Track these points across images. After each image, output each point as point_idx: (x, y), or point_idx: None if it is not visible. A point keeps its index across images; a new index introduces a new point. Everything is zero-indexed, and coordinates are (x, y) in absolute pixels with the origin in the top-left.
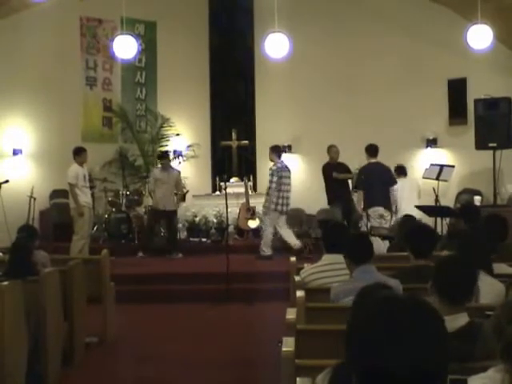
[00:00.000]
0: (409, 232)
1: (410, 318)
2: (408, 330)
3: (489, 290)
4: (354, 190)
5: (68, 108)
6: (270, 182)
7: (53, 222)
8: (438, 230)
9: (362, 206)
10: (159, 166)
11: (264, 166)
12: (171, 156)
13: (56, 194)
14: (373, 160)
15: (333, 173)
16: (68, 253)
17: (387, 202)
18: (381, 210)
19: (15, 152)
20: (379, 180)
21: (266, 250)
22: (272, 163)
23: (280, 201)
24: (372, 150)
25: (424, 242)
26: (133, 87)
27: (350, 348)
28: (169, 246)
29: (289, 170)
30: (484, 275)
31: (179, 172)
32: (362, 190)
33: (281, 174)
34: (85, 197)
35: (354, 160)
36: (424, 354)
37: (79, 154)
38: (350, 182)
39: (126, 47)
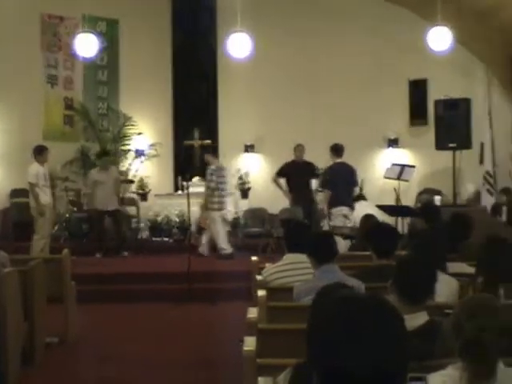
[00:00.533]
0: (371, 231)
1: (370, 317)
2: (368, 330)
3: (444, 287)
4: (319, 190)
5: (29, 106)
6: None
7: (13, 221)
8: (399, 229)
9: (327, 206)
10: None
11: (227, 166)
12: (133, 155)
13: (16, 193)
14: (338, 160)
15: (297, 172)
16: (28, 252)
17: (351, 202)
18: (345, 209)
19: None
20: (344, 180)
21: (226, 248)
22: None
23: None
24: (337, 150)
25: (386, 241)
26: (95, 86)
27: (311, 348)
28: (117, 245)
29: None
30: (440, 274)
31: (119, 171)
32: (328, 190)
33: (218, 174)
34: (45, 196)
35: (317, 159)
36: (384, 354)
37: (41, 152)
38: (313, 181)
39: (87, 45)
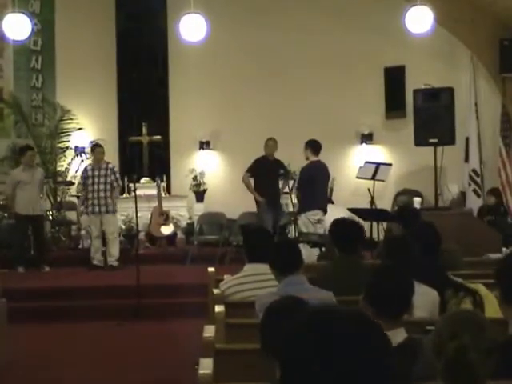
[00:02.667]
0: (332, 226)
1: (349, 332)
2: (347, 347)
3: (423, 300)
4: (295, 191)
5: None
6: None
7: None
8: (374, 235)
9: (298, 210)
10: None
11: (179, 165)
12: (73, 153)
13: None
14: (314, 158)
15: (267, 170)
16: None
17: (326, 206)
18: (320, 213)
19: None
20: (322, 181)
21: None
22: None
23: None
24: (317, 147)
25: (348, 235)
26: (27, 74)
27: (282, 373)
28: (37, 257)
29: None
30: (417, 284)
31: (43, 171)
32: (299, 192)
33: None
34: None
35: (280, 156)
36: (366, 374)
37: None
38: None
39: (18, 27)
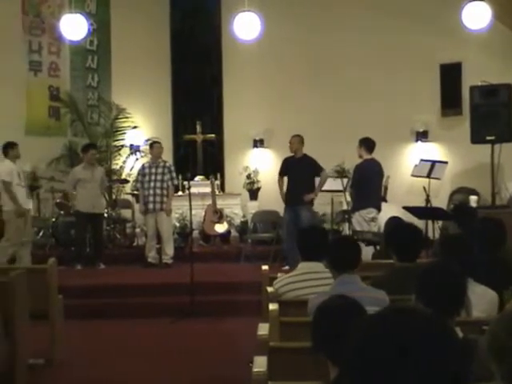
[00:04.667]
0: (391, 231)
1: (424, 337)
2: (420, 352)
3: (480, 300)
4: (349, 189)
5: (9, 97)
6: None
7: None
8: (430, 234)
9: (351, 208)
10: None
11: (233, 163)
12: (128, 151)
13: None
14: (368, 156)
15: (294, 168)
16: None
17: (380, 204)
18: (374, 212)
19: None
20: (376, 179)
21: None
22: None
23: None
24: (371, 145)
25: (408, 242)
26: (83, 73)
27: (349, 373)
28: (94, 255)
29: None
30: (474, 284)
31: (103, 170)
32: (354, 190)
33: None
34: (20, 197)
35: (335, 154)
36: (439, 378)
37: (13, 147)
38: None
39: (75, 27)
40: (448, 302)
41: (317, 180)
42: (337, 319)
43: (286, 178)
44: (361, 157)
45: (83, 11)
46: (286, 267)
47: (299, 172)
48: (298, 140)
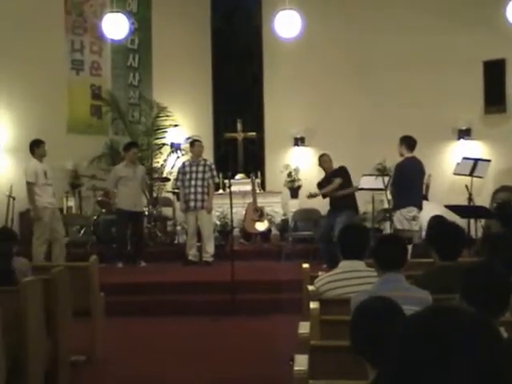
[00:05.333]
0: (433, 230)
1: (466, 336)
2: (462, 353)
3: None
4: (389, 188)
5: (51, 95)
6: None
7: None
8: (472, 233)
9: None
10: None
11: (273, 161)
12: (169, 149)
13: None
14: (409, 154)
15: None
16: (50, 259)
17: (421, 203)
18: (415, 210)
19: None
20: (416, 177)
21: None
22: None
23: None
24: (411, 143)
25: (450, 241)
26: (125, 72)
27: (386, 373)
28: (135, 253)
29: None
30: None
31: (145, 168)
32: (394, 188)
33: None
34: (47, 196)
35: (375, 152)
36: (482, 378)
37: (39, 146)
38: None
39: (116, 26)
40: (492, 302)
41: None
42: (375, 321)
43: None
44: (402, 155)
45: (125, 10)
46: (325, 266)
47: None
48: (326, 159)
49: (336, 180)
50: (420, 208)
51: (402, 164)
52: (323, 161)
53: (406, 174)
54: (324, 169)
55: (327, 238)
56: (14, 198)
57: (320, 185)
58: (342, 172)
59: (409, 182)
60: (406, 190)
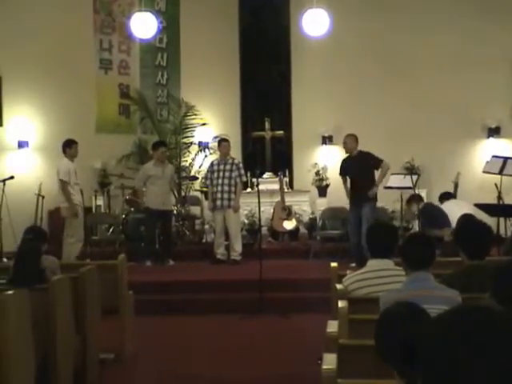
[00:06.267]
0: (462, 229)
1: (496, 335)
2: (497, 350)
3: None
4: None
5: (80, 95)
6: None
7: (63, 223)
8: (501, 231)
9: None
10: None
11: (301, 160)
12: (197, 148)
13: None
14: None
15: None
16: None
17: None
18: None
19: (21, 144)
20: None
21: None
22: None
23: None
24: None
25: (478, 240)
26: (153, 71)
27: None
28: (163, 251)
29: None
30: None
31: (173, 167)
32: None
33: None
34: (77, 195)
35: (404, 151)
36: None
37: (71, 146)
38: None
39: (144, 25)
40: None
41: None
42: (401, 329)
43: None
44: None
45: (153, 9)
46: (353, 264)
47: (357, 170)
48: (352, 139)
49: (384, 164)
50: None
51: None
52: (345, 142)
53: None
54: (348, 149)
55: (358, 233)
56: (43, 197)
57: (344, 168)
58: (377, 158)
59: None
60: None
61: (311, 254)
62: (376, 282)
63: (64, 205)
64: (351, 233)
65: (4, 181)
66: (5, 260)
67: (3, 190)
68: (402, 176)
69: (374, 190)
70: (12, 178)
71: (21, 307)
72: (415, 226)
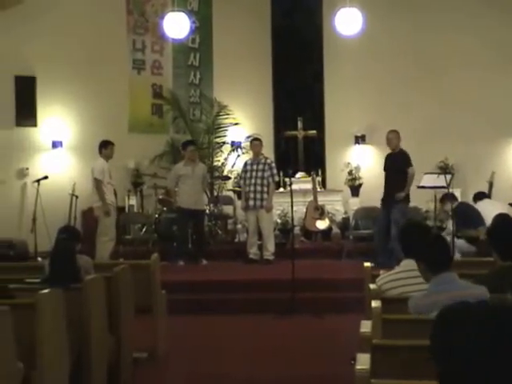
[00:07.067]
0: (495, 228)
1: None
2: None
3: None
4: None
5: (113, 95)
6: None
7: (97, 222)
8: None
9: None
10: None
11: (334, 159)
12: (229, 147)
13: None
14: None
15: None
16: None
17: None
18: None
19: (55, 144)
20: None
21: None
22: None
23: None
24: None
25: (511, 241)
26: (185, 71)
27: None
28: (196, 251)
29: None
30: None
31: (205, 166)
32: None
33: None
34: (111, 195)
35: (438, 150)
36: None
37: (107, 147)
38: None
39: (177, 26)
40: None
41: None
42: (456, 328)
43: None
44: None
45: (185, 9)
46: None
47: (392, 169)
48: (395, 135)
49: (411, 170)
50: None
51: None
52: (394, 136)
53: None
54: (392, 146)
55: (383, 233)
56: (76, 197)
57: (386, 165)
58: (407, 162)
59: None
60: None
61: (344, 254)
62: (409, 282)
63: (97, 204)
64: (377, 234)
65: (38, 181)
66: (39, 259)
67: (38, 190)
68: (436, 175)
69: (401, 195)
70: (46, 177)
71: (56, 307)
72: (449, 226)
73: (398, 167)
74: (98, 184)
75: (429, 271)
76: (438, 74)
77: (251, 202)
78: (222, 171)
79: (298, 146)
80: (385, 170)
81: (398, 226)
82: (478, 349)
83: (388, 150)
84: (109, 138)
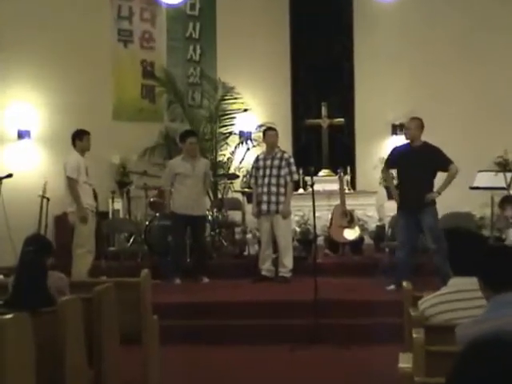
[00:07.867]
0: None
1: None
2: None
3: None
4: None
5: (93, 74)
6: None
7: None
8: None
9: None
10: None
11: (366, 154)
12: (237, 139)
13: None
14: None
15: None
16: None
17: None
18: None
19: (21, 135)
20: None
21: None
22: None
23: None
24: None
25: None
26: (183, 45)
27: None
28: (195, 266)
29: None
30: None
31: (208, 162)
32: None
33: None
34: (87, 197)
35: (495, 144)
36: None
37: (82, 138)
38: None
39: None
40: None
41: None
42: (488, 364)
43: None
44: None
45: None
46: (392, 286)
47: (418, 165)
48: (417, 124)
49: (453, 168)
50: None
51: None
52: (414, 125)
53: None
54: (410, 136)
55: (411, 246)
56: (48, 199)
57: (396, 159)
58: (446, 158)
59: None
60: None
61: (378, 271)
62: (460, 306)
63: (71, 209)
64: (401, 245)
65: (0, 179)
66: (1, 277)
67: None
68: (493, 173)
69: (434, 195)
70: (10, 176)
71: (21, 335)
72: (510, 236)
73: (425, 164)
74: (71, 184)
75: (488, 289)
76: (489, 59)
77: (264, 207)
78: (228, 168)
79: (322, 137)
80: (394, 165)
81: (434, 234)
82: None
83: (438, 142)
84: (89, 128)
